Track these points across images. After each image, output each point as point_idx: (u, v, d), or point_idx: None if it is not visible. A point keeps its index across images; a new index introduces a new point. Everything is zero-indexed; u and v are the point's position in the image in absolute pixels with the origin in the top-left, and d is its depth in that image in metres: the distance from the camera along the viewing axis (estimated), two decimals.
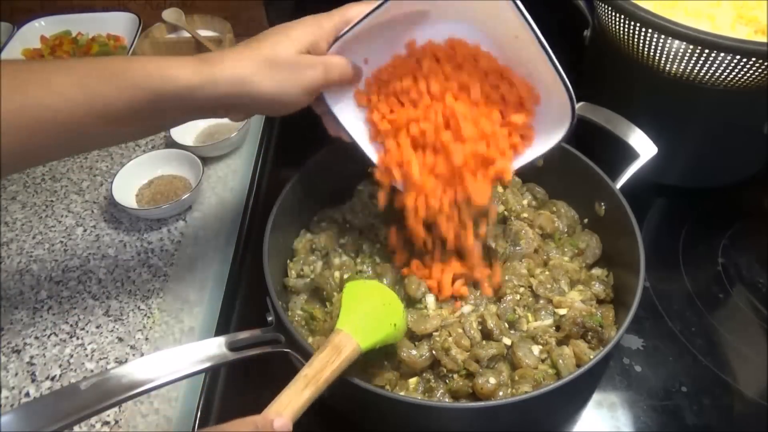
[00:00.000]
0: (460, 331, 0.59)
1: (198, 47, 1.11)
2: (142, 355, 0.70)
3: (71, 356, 0.70)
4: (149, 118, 0.53)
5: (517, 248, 0.68)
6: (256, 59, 0.53)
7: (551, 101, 0.57)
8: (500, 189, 0.77)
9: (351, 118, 0.62)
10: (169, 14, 1.14)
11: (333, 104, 0.61)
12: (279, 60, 0.53)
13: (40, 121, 0.47)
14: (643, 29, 0.70)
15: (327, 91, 0.59)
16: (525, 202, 0.75)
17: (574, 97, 0.54)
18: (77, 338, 0.72)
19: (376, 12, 0.54)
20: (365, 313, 0.53)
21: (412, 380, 0.58)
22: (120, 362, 0.70)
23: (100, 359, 0.70)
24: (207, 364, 0.50)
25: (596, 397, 0.63)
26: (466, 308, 0.62)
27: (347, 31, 0.56)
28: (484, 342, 0.59)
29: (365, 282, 0.62)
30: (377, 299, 0.55)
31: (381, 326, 0.53)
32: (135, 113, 0.50)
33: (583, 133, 0.73)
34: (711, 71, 0.69)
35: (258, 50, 0.54)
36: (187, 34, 1.13)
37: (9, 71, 0.46)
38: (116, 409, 0.65)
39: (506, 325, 0.61)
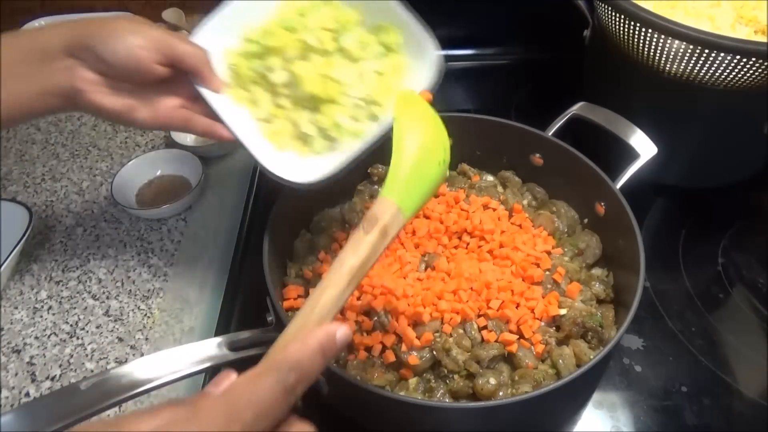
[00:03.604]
0: (461, 332, 0.60)
1: None
2: (142, 355, 0.70)
3: (71, 356, 0.70)
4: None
5: None
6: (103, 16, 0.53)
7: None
8: (500, 189, 0.78)
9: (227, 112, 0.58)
10: (169, 14, 1.14)
11: (207, 94, 0.57)
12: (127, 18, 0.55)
13: None
14: (643, 29, 0.70)
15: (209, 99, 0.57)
16: (525, 202, 0.75)
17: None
18: (77, 338, 0.72)
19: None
20: (415, 163, 0.44)
21: (412, 380, 0.58)
22: (120, 362, 0.70)
23: (100, 359, 0.70)
24: (207, 364, 0.50)
25: (596, 397, 0.63)
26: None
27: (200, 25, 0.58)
28: (484, 343, 0.59)
29: (417, 101, 0.52)
30: (428, 131, 0.46)
31: (429, 178, 0.45)
32: None
33: (583, 133, 0.73)
34: (711, 71, 0.69)
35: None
36: (187, 34, 1.13)
37: None
38: (116, 409, 0.65)
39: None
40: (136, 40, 0.52)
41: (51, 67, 0.52)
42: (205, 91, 0.57)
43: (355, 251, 0.39)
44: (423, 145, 0.46)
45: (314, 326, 0.36)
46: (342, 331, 0.35)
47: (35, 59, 0.52)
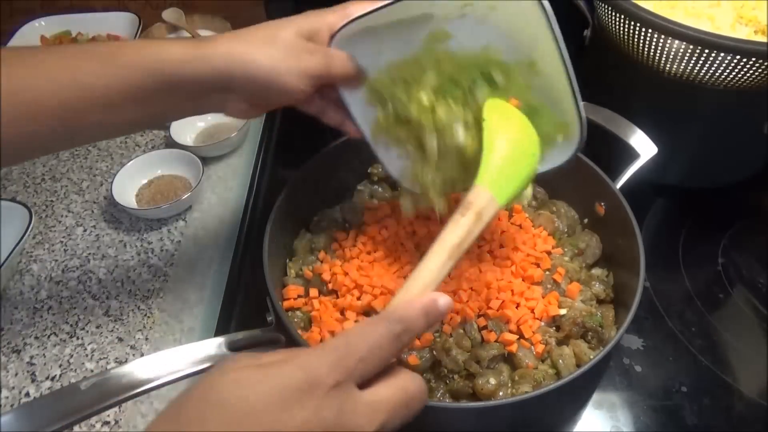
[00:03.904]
0: (461, 332, 0.60)
1: None
2: (142, 355, 0.70)
3: (71, 356, 0.70)
4: (143, 103, 0.50)
5: None
6: (252, 38, 0.51)
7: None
8: None
9: (360, 114, 0.60)
10: (169, 14, 1.14)
11: (347, 97, 0.58)
12: (277, 39, 0.51)
13: (28, 106, 0.45)
14: (643, 29, 0.70)
15: (345, 94, 0.58)
16: (525, 202, 0.75)
17: (585, 123, 0.51)
18: (77, 338, 0.72)
19: (381, 11, 0.52)
20: (508, 155, 0.47)
21: None
22: (120, 362, 0.70)
23: (100, 359, 0.70)
24: (207, 364, 0.50)
25: (596, 397, 0.63)
26: None
27: (348, 23, 0.54)
28: (484, 343, 0.59)
29: (503, 103, 0.53)
30: (517, 126, 0.49)
31: (520, 167, 0.47)
32: (126, 96, 0.48)
33: None
34: (711, 71, 0.69)
35: (255, 31, 0.52)
36: (187, 34, 1.13)
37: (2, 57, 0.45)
38: (116, 409, 0.65)
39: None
40: (293, 80, 0.51)
41: (202, 100, 0.52)
42: (344, 92, 0.58)
43: (453, 231, 0.43)
44: (512, 137, 0.49)
45: (418, 295, 0.40)
46: (444, 299, 0.39)
47: (189, 94, 0.51)
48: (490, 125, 0.50)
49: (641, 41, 0.72)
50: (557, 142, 0.56)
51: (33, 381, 0.68)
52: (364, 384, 0.34)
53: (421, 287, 0.41)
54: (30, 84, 0.45)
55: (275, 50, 0.50)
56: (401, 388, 0.35)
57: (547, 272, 0.65)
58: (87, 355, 0.70)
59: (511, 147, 0.49)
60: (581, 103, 0.51)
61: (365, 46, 0.56)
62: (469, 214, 0.44)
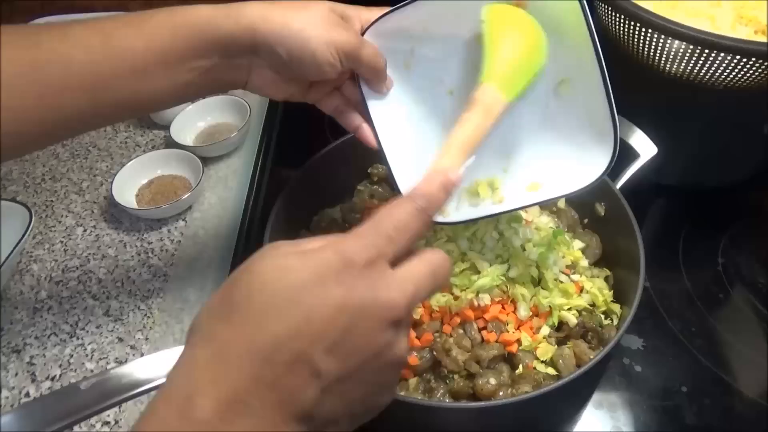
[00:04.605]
0: (461, 332, 0.60)
1: None
2: (142, 355, 0.70)
3: (71, 356, 0.70)
4: (173, 68, 0.49)
5: None
6: (285, 4, 0.50)
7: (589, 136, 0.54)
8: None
9: (379, 120, 0.59)
10: None
11: (372, 111, 0.58)
12: (310, 7, 0.50)
13: (54, 75, 0.44)
14: (643, 29, 0.70)
15: (368, 98, 0.57)
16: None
17: (617, 142, 0.51)
18: (77, 338, 0.72)
19: (422, 7, 0.51)
20: (515, 51, 0.48)
21: (412, 380, 0.58)
22: (120, 362, 0.70)
23: (100, 359, 0.70)
24: None
25: (596, 397, 0.63)
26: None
27: (384, 15, 0.53)
28: (484, 343, 0.59)
29: (508, 7, 0.52)
30: (520, 21, 0.49)
31: (525, 62, 0.48)
32: (157, 59, 0.47)
33: None
34: (711, 71, 0.69)
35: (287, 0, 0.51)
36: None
37: (25, 30, 0.45)
38: (116, 409, 0.65)
39: None
40: (322, 47, 0.50)
41: (229, 63, 0.51)
42: (366, 91, 0.57)
43: (462, 127, 0.44)
44: (514, 33, 0.49)
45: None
46: (454, 171, 0.41)
47: (219, 56, 0.50)
48: (490, 24, 0.50)
49: (641, 41, 0.72)
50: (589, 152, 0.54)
51: (33, 381, 0.68)
52: (396, 262, 0.37)
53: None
54: (59, 54, 0.44)
55: (308, 16, 0.50)
56: (426, 261, 0.37)
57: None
58: (87, 355, 0.70)
59: (514, 43, 0.49)
60: (617, 120, 0.50)
61: (395, 54, 0.55)
62: (476, 110, 0.44)
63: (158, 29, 0.47)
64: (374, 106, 0.58)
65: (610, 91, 0.50)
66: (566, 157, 0.56)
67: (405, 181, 0.59)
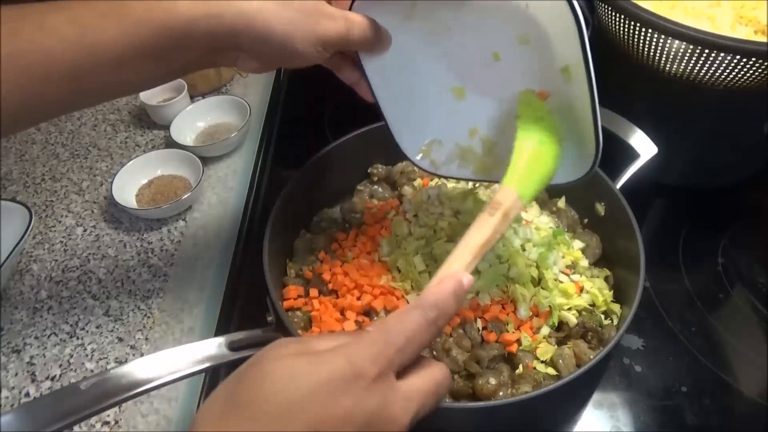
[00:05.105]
0: (461, 332, 0.60)
1: None
2: (142, 355, 0.70)
3: (71, 356, 0.70)
4: (154, 61, 0.48)
5: None
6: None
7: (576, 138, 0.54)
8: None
9: (377, 79, 0.57)
10: None
11: (367, 68, 0.56)
12: (295, 0, 0.48)
13: (34, 65, 0.43)
14: (643, 29, 0.70)
15: (362, 55, 0.55)
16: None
17: (600, 148, 0.51)
18: (77, 338, 0.72)
19: None
20: (531, 156, 0.49)
21: None
22: (120, 362, 0.70)
23: (100, 359, 0.70)
24: (207, 364, 0.50)
25: (596, 397, 0.63)
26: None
27: None
28: (484, 343, 0.59)
29: (537, 103, 0.54)
30: (545, 129, 0.51)
31: (543, 169, 0.50)
32: (137, 54, 0.46)
33: None
34: (711, 71, 0.69)
35: None
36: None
37: (3, 15, 0.43)
38: (116, 409, 0.65)
39: None
40: (308, 47, 0.49)
41: (213, 57, 0.50)
42: (362, 55, 0.55)
43: (480, 230, 0.44)
44: (539, 141, 0.51)
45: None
46: (467, 277, 0.41)
47: (201, 51, 0.49)
48: (523, 126, 0.51)
49: (641, 41, 0.72)
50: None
51: (33, 381, 0.68)
52: (401, 373, 0.37)
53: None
54: (38, 44, 0.43)
55: (291, 12, 0.48)
56: (431, 378, 0.38)
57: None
58: (87, 355, 0.70)
59: (538, 150, 0.50)
60: (599, 123, 0.50)
61: (396, 8, 0.53)
62: (497, 214, 0.45)
63: (138, 27, 0.45)
64: (370, 63, 0.56)
65: (597, 109, 0.49)
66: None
67: (404, 135, 0.61)
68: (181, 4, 0.46)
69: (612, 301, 0.64)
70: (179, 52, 0.48)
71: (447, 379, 0.39)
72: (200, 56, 0.50)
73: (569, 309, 0.62)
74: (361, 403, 0.34)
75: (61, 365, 0.69)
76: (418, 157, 0.64)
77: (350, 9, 0.51)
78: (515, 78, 0.55)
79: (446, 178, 0.69)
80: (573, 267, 0.67)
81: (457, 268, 0.42)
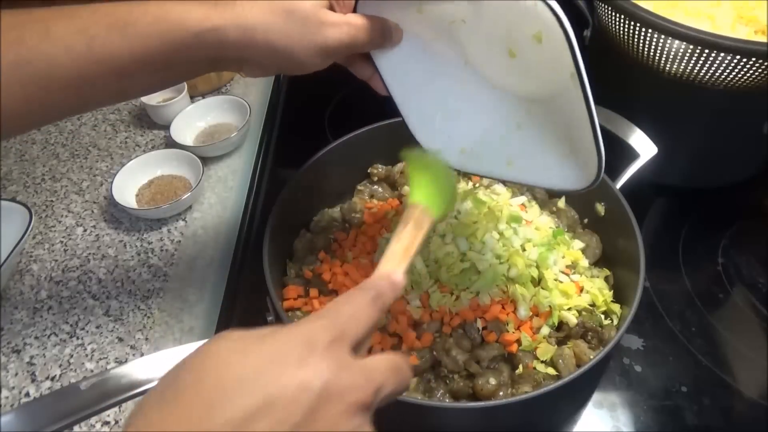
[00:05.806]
0: (461, 332, 0.60)
1: None
2: (142, 355, 0.70)
3: (71, 356, 0.70)
4: (159, 72, 0.49)
5: None
6: (269, 7, 0.48)
7: (578, 149, 0.53)
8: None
9: (391, 74, 0.58)
10: None
11: (379, 63, 0.56)
12: (296, 11, 0.48)
13: (39, 73, 0.44)
14: (643, 29, 0.70)
15: (374, 52, 0.56)
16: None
17: (603, 161, 0.50)
18: (77, 338, 0.72)
19: None
20: (433, 181, 0.54)
21: (412, 380, 0.58)
22: (120, 362, 0.70)
23: (100, 359, 0.70)
24: None
25: (596, 397, 0.63)
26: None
27: None
28: (484, 343, 0.59)
29: (422, 153, 0.61)
30: (437, 166, 0.56)
31: (446, 193, 0.54)
32: (143, 66, 0.47)
33: None
34: (711, 71, 0.69)
35: None
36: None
37: (7, 21, 0.43)
38: (116, 409, 0.65)
39: None
40: (312, 58, 0.50)
41: (219, 67, 0.51)
42: (374, 53, 0.55)
43: (399, 240, 0.47)
44: (428, 171, 0.56)
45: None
46: (397, 274, 0.43)
47: (205, 62, 0.50)
48: (412, 162, 0.57)
49: (641, 41, 0.72)
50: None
51: (33, 381, 0.68)
52: (356, 351, 0.36)
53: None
54: (44, 53, 0.43)
55: (293, 24, 0.48)
56: (389, 358, 0.37)
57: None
58: (87, 355, 0.70)
59: (430, 176, 0.55)
60: (600, 137, 0.50)
61: (399, 5, 0.53)
62: (408, 227, 0.48)
63: (144, 39, 0.46)
64: (382, 57, 0.56)
65: (596, 124, 0.49)
66: (555, 157, 0.56)
67: (419, 127, 0.61)
68: (187, 18, 0.47)
69: (612, 301, 0.64)
70: (184, 63, 0.49)
71: (406, 363, 0.38)
72: (204, 66, 0.51)
73: (569, 309, 0.62)
74: (316, 370, 0.31)
75: (61, 365, 0.69)
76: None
77: (354, 10, 0.51)
78: (530, 75, 0.55)
79: (458, 171, 0.66)
80: (573, 267, 0.67)
81: (387, 269, 0.44)
